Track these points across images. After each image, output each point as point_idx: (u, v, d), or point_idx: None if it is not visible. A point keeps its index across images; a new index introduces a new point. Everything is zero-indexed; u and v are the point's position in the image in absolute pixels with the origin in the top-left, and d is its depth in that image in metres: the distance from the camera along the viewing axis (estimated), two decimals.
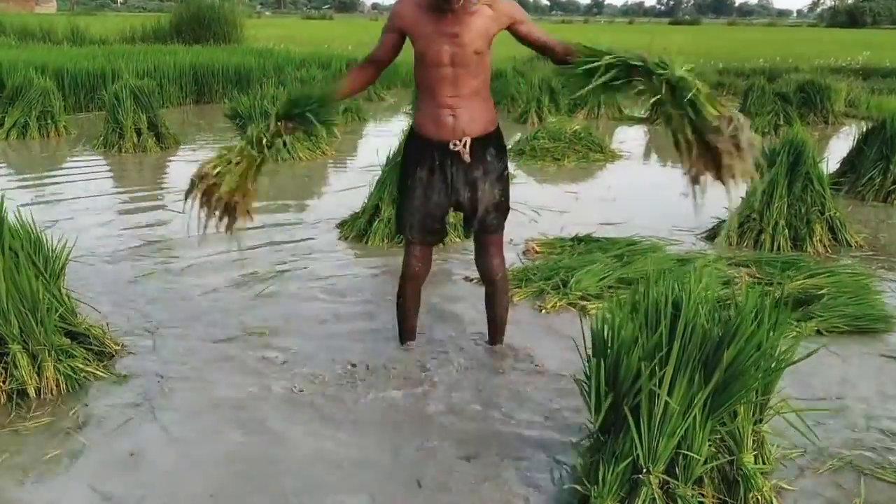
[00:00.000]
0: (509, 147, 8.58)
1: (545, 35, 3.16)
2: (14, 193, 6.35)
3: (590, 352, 2.49)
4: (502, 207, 3.32)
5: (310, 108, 3.08)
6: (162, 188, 6.88)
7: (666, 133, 2.93)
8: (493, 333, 3.61)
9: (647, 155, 9.15)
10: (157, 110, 8.69)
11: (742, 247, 5.21)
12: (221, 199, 3.10)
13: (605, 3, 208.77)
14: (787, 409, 2.62)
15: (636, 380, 2.29)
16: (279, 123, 3.11)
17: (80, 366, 3.22)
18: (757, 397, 2.41)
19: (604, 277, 4.35)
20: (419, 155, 3.25)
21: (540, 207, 6.22)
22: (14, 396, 3.03)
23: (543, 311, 4.05)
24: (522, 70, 13.83)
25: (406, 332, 3.57)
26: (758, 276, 4.44)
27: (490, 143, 3.25)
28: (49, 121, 9.26)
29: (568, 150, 8.33)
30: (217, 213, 3.15)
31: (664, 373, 2.27)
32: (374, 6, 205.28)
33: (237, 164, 3.10)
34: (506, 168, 3.34)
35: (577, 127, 8.58)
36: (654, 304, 2.44)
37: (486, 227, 3.31)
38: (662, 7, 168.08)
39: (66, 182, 6.94)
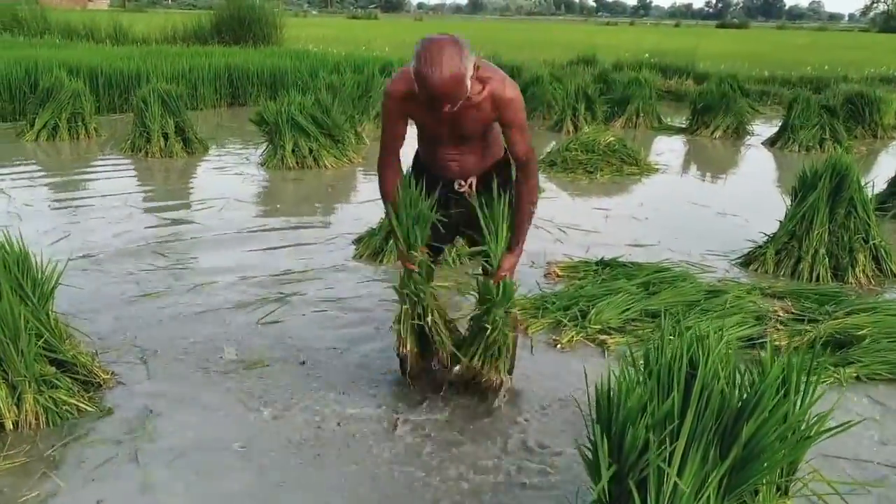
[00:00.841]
0: (541, 158, 8.37)
1: (522, 151, 2.90)
2: (33, 198, 6.30)
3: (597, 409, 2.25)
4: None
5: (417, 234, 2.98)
6: (182, 197, 6.75)
7: None
8: None
9: (685, 168, 8.79)
10: (185, 115, 8.58)
11: (779, 275, 4.90)
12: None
13: (653, 4, 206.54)
14: (819, 481, 2.35)
15: (644, 452, 2.04)
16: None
17: (64, 397, 3.06)
18: (782, 475, 2.15)
19: (626, 309, 4.08)
20: (422, 184, 3.07)
21: (567, 226, 5.96)
22: None
23: (559, 345, 3.80)
24: (560, 75, 13.53)
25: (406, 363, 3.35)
26: (794, 311, 4.13)
27: (498, 170, 3.06)
28: (79, 122, 9.22)
29: (601, 162, 8.03)
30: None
31: (675, 447, 2.01)
32: (420, 6, 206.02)
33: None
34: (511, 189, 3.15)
35: (611, 138, 8.28)
36: (667, 365, 2.19)
37: None
38: (710, 9, 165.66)
39: (88, 188, 6.86)
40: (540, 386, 3.41)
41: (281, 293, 4.39)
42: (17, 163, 7.79)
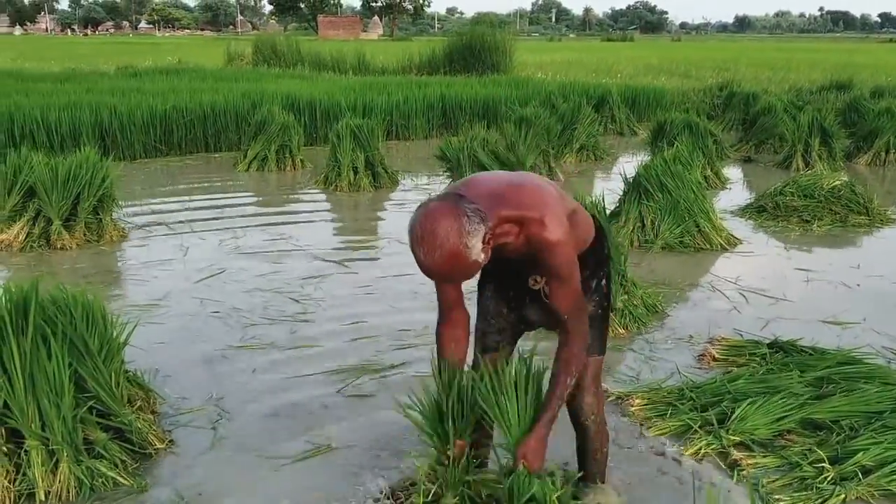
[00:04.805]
0: (749, 202, 7.34)
1: (564, 307, 2.30)
2: (208, 230, 6.49)
3: None
4: (595, 324, 2.51)
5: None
6: (349, 236, 6.67)
7: None
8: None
9: None
10: (376, 149, 8.58)
11: None
12: None
13: None
14: None
15: None
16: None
17: (103, 468, 2.90)
18: None
19: (782, 417, 3.24)
20: (491, 269, 2.57)
21: (752, 289, 5.06)
22: (20, 500, 2.78)
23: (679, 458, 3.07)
24: (800, 103, 12.09)
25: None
26: None
27: (584, 259, 2.45)
28: (287, 154, 9.59)
29: (821, 209, 6.86)
30: None
31: None
32: (683, 25, 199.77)
33: None
34: (604, 278, 2.56)
35: (837, 181, 7.06)
36: None
37: None
38: None
39: (265, 222, 6.97)
40: None
41: (385, 363, 3.97)
42: (216, 193, 8.20)
